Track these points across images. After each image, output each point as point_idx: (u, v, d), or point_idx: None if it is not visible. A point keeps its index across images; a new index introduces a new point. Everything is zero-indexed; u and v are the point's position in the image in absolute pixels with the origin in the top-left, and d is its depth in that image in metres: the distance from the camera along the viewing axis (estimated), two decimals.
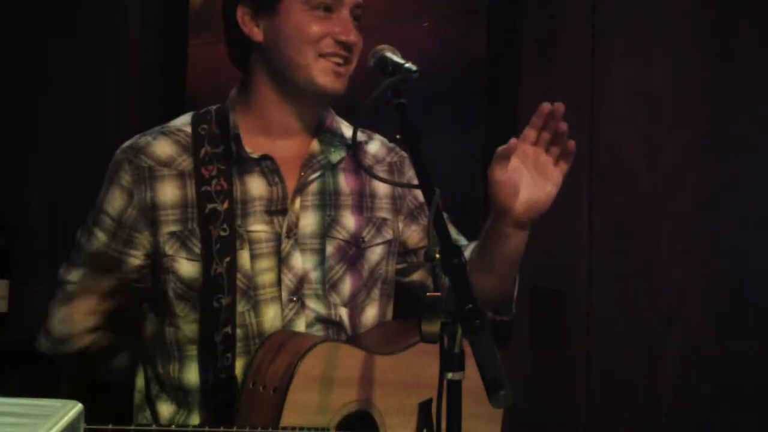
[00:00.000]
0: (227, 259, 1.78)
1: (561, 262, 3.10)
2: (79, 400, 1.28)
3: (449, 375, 1.36)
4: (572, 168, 3.19)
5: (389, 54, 1.74)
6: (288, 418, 1.67)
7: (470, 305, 1.37)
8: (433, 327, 1.39)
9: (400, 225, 2.03)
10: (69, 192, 2.93)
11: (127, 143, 1.89)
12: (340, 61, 1.84)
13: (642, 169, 3.08)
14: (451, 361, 1.37)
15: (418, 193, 2.00)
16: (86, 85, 3.06)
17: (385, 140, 2.08)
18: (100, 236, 1.86)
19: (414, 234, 2.06)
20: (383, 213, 2.01)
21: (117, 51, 3.08)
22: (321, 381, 1.73)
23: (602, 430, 3.05)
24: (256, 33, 1.85)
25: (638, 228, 3.07)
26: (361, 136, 2.02)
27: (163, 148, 1.86)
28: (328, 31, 1.83)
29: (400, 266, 2.07)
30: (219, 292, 1.78)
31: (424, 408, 1.88)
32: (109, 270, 1.87)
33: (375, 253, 1.98)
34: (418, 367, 1.84)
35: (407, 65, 1.72)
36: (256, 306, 1.83)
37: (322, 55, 1.83)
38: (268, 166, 1.88)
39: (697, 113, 3.07)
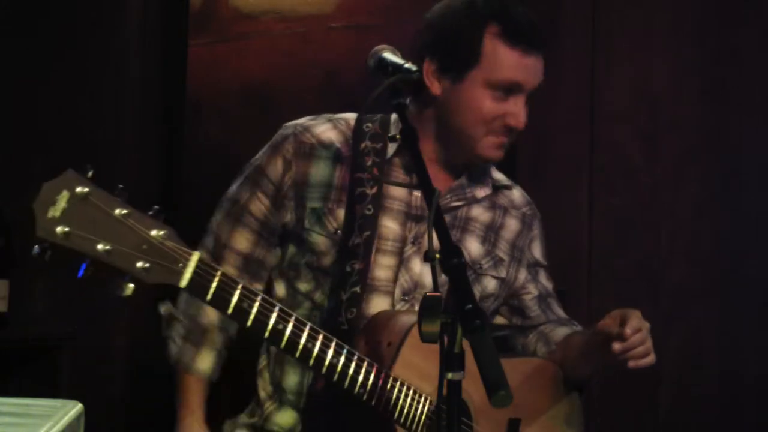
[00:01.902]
0: (367, 233, 1.89)
1: (561, 262, 3.10)
2: (79, 400, 1.28)
3: (449, 375, 1.37)
4: (572, 168, 3.22)
5: (389, 54, 1.75)
6: (397, 371, 1.73)
7: (470, 305, 1.37)
8: (433, 327, 1.39)
9: (521, 276, 2.13)
10: None
11: (295, 121, 2.00)
12: (505, 140, 1.92)
13: (642, 169, 3.08)
14: (451, 361, 1.37)
15: (536, 250, 2.17)
16: (86, 85, 3.06)
17: (525, 193, 2.18)
18: (263, 199, 1.96)
19: (530, 286, 2.17)
20: (502, 253, 2.08)
21: (117, 51, 3.08)
22: (429, 349, 1.76)
23: (602, 430, 3.04)
24: (436, 87, 1.90)
25: (638, 228, 3.07)
26: (505, 180, 2.12)
27: (328, 132, 1.97)
28: (501, 113, 1.89)
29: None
30: (354, 258, 1.89)
31: (513, 425, 1.94)
32: (271, 235, 1.98)
33: (488, 284, 2.05)
34: (518, 382, 1.88)
35: (407, 65, 1.72)
36: (369, 290, 1.91)
37: (489, 134, 1.91)
38: (416, 180, 1.94)
39: (697, 113, 3.07)
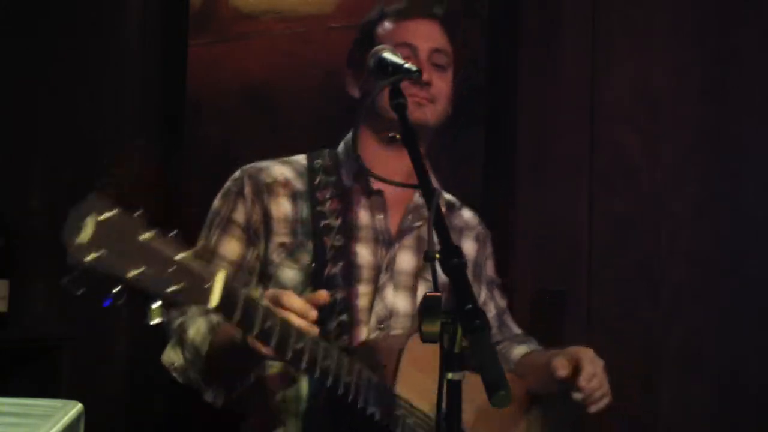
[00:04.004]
0: (341, 263, 1.93)
1: (561, 262, 3.10)
2: (79, 400, 1.28)
3: (449, 375, 1.36)
4: (572, 168, 3.22)
5: (389, 54, 1.74)
6: (399, 391, 1.75)
7: (470, 305, 1.37)
8: (433, 327, 1.39)
9: (482, 295, 2.18)
10: (69, 192, 2.93)
11: (247, 165, 2.04)
12: (419, 100, 1.99)
13: (642, 169, 3.08)
14: (451, 361, 1.36)
15: (490, 268, 2.22)
16: (86, 85, 3.06)
17: (473, 212, 2.25)
18: (235, 245, 1.97)
19: (490, 304, 2.21)
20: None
21: (117, 51, 3.08)
22: (424, 364, 1.77)
23: (602, 430, 3.04)
24: (355, 91, 2.06)
25: (638, 228, 3.07)
26: (455, 201, 2.20)
27: (281, 170, 2.02)
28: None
29: None
30: (334, 288, 1.90)
31: None
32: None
33: None
34: (483, 400, 1.90)
35: (407, 65, 1.72)
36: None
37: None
38: (377, 201, 2.02)
39: (697, 113, 3.07)
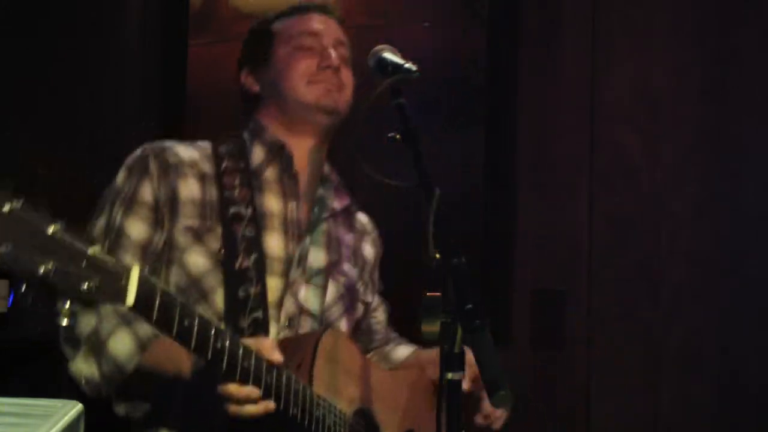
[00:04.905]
0: (254, 256, 1.84)
1: (561, 262, 3.10)
2: (79, 400, 1.28)
3: (449, 375, 1.36)
4: (572, 168, 3.22)
5: (389, 54, 1.74)
6: (316, 388, 1.70)
7: (470, 305, 1.37)
8: (433, 327, 1.39)
9: (375, 300, 2.16)
10: (69, 192, 2.93)
11: (149, 144, 1.93)
12: (329, 85, 1.96)
13: (642, 169, 3.08)
14: (451, 361, 1.37)
15: (377, 274, 2.17)
16: (86, 85, 3.06)
17: (368, 218, 2.20)
18: (141, 227, 1.84)
19: (380, 309, 2.18)
20: (368, 277, 2.12)
21: (117, 51, 3.08)
22: (335, 362, 1.77)
23: (602, 430, 3.05)
24: (254, 86, 2.02)
25: (638, 228, 3.07)
26: (351, 204, 2.12)
27: (187, 151, 1.92)
28: (312, 62, 1.97)
29: None
30: (246, 282, 1.82)
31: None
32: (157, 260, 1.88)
33: (361, 308, 2.07)
34: (408, 393, 1.94)
35: (407, 65, 1.72)
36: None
37: (310, 83, 1.95)
38: (291, 188, 1.96)
39: (697, 113, 3.07)
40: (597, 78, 3.12)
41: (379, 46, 1.77)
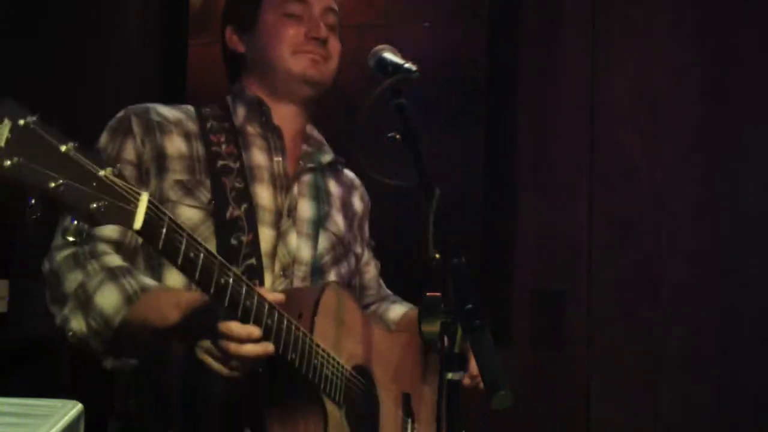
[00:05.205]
0: (245, 205, 1.85)
1: (561, 262, 3.10)
2: (79, 400, 1.28)
3: (449, 375, 1.36)
4: (572, 168, 3.22)
5: (389, 54, 1.74)
6: (316, 340, 1.70)
7: (470, 305, 1.37)
8: (433, 327, 1.39)
9: (365, 255, 2.17)
10: None
11: (132, 106, 1.94)
12: (315, 57, 1.97)
13: (642, 169, 3.08)
14: (451, 361, 1.36)
15: (367, 229, 2.18)
16: (86, 85, 3.06)
17: (354, 175, 2.21)
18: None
19: (371, 264, 2.19)
20: (356, 230, 2.13)
21: (117, 51, 3.08)
22: (336, 317, 1.78)
23: (602, 430, 3.05)
24: (240, 46, 2.02)
25: (638, 228, 3.07)
26: (340, 159, 2.14)
27: (170, 111, 1.94)
28: (299, 31, 1.97)
29: None
30: (237, 231, 1.83)
31: (406, 399, 1.96)
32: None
33: (352, 261, 2.08)
34: (400, 355, 1.95)
35: (407, 65, 1.72)
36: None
37: (296, 52, 1.96)
38: (274, 141, 1.97)
39: (697, 113, 3.07)
40: (597, 78, 3.12)
41: (379, 46, 1.77)
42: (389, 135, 1.90)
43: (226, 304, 1.51)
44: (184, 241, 1.42)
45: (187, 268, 1.44)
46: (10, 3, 3.06)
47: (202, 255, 1.45)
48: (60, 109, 3.24)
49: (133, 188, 1.33)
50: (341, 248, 2.03)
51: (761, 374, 2.96)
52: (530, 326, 3.10)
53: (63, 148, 1.24)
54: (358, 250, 2.13)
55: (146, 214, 1.34)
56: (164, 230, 1.38)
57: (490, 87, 3.19)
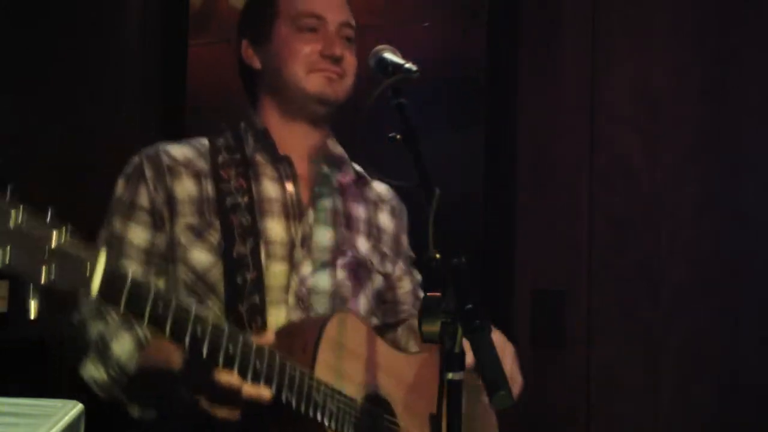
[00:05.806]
0: (251, 242, 1.85)
1: (561, 262, 3.10)
2: (79, 400, 1.28)
3: (449, 375, 1.36)
4: (572, 168, 3.22)
5: (389, 54, 1.74)
6: (318, 373, 1.67)
7: (470, 305, 1.37)
8: (433, 327, 1.39)
9: (398, 270, 2.11)
10: (69, 191, 2.93)
11: (145, 148, 1.95)
12: (330, 74, 1.94)
13: (642, 169, 3.08)
14: (451, 361, 1.36)
15: (406, 241, 2.14)
16: (86, 85, 3.06)
17: (387, 186, 2.16)
18: (141, 232, 1.87)
19: (406, 279, 2.12)
20: (386, 248, 2.08)
21: (117, 51, 3.08)
22: (342, 348, 1.75)
23: (602, 430, 3.05)
24: (256, 62, 2.00)
25: (638, 228, 3.07)
26: (364, 174, 2.11)
27: (181, 150, 1.94)
28: (315, 49, 1.94)
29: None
30: (243, 269, 1.83)
31: (434, 420, 1.91)
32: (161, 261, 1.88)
33: (379, 280, 2.04)
34: (426, 377, 1.88)
35: (407, 65, 1.72)
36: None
37: (311, 71, 1.94)
38: (285, 170, 1.95)
39: (697, 113, 3.07)
40: (597, 78, 3.12)
41: (379, 46, 1.77)
42: (389, 135, 1.90)
43: (204, 355, 1.48)
44: (150, 297, 1.39)
45: (156, 324, 1.42)
46: (10, 3, 3.05)
47: (172, 309, 1.42)
48: (60, 109, 3.26)
49: (88, 252, 1.30)
50: (364, 271, 1.99)
51: (761, 374, 2.96)
52: (530, 326, 3.10)
53: (11, 216, 1.21)
54: (388, 268, 2.07)
55: (104, 274, 1.31)
56: (125, 289, 1.35)
57: (490, 87, 3.19)
